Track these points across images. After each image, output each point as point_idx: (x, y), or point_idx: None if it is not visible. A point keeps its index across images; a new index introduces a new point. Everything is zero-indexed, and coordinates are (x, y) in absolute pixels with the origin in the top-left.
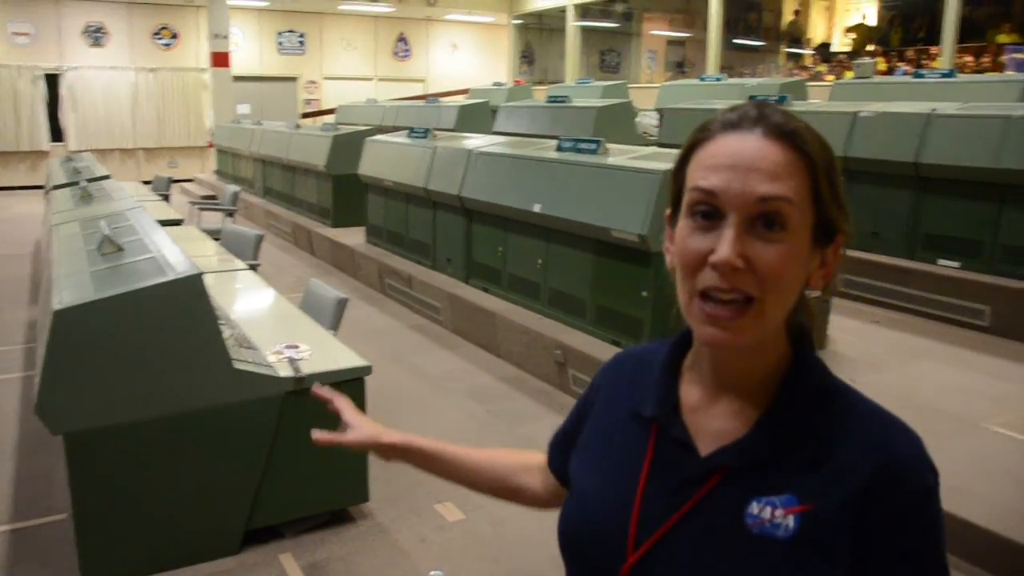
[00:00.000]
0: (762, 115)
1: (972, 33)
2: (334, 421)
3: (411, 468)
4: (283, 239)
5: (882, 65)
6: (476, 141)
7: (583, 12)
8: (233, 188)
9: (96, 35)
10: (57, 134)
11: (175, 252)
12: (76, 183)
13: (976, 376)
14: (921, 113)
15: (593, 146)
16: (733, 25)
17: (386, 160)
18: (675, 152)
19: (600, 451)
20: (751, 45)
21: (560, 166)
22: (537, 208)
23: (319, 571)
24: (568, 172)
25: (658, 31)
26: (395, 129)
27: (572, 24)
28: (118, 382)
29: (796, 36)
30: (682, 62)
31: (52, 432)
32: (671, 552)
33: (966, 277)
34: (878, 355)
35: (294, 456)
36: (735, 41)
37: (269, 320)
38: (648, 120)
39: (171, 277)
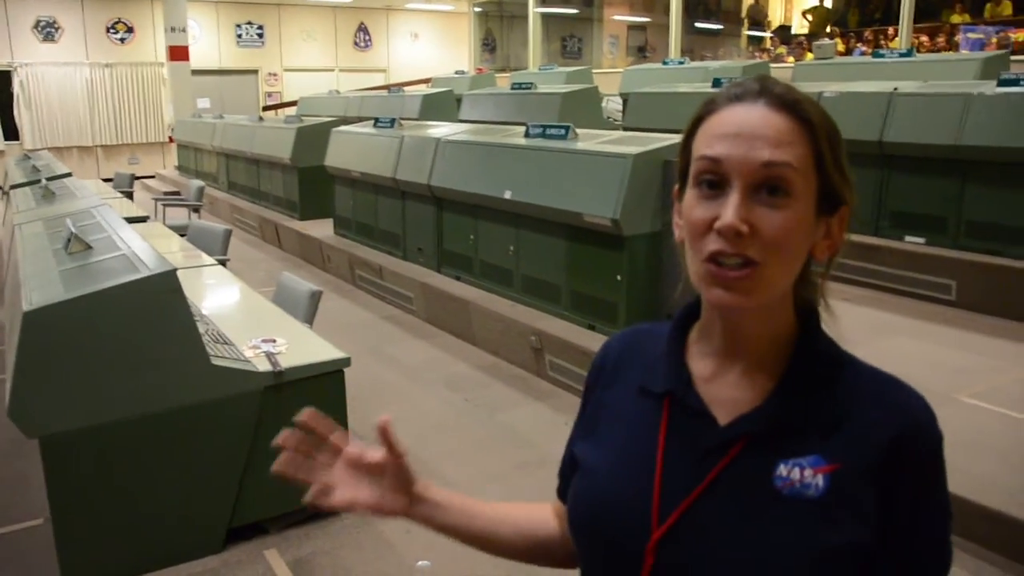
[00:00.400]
0: (765, 88)
1: (927, 14)
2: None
3: None
4: (250, 233)
5: (840, 46)
6: (443, 129)
7: None
8: (198, 183)
9: (48, 30)
10: (11, 133)
11: (145, 249)
12: (37, 182)
13: (945, 350)
14: (884, 92)
15: (562, 131)
16: (693, 9)
17: (353, 151)
18: (643, 135)
19: (608, 429)
20: (712, 29)
21: (530, 152)
22: (508, 195)
23: (305, 566)
24: (538, 158)
25: (619, 16)
26: (359, 120)
27: (534, 11)
28: (93, 383)
29: (757, 19)
30: (644, 47)
31: (27, 436)
32: (699, 522)
33: (932, 253)
34: (847, 332)
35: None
36: (696, 25)
37: (242, 315)
38: (613, 105)
39: (145, 274)
